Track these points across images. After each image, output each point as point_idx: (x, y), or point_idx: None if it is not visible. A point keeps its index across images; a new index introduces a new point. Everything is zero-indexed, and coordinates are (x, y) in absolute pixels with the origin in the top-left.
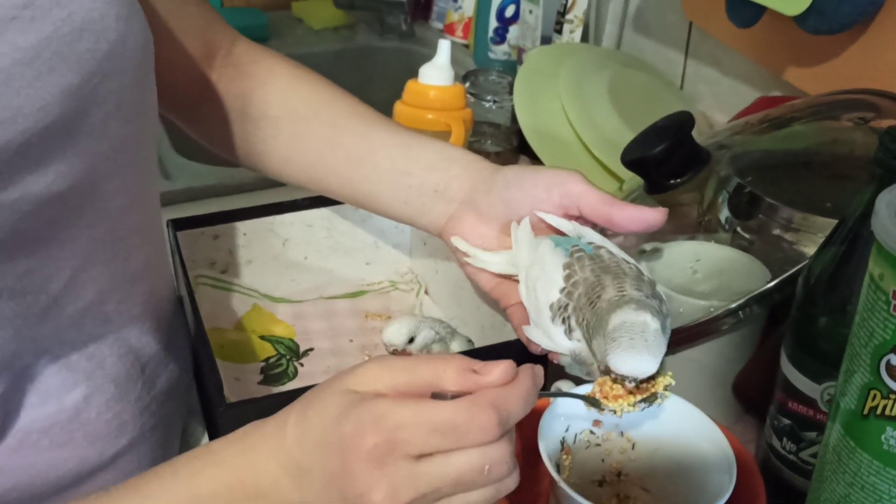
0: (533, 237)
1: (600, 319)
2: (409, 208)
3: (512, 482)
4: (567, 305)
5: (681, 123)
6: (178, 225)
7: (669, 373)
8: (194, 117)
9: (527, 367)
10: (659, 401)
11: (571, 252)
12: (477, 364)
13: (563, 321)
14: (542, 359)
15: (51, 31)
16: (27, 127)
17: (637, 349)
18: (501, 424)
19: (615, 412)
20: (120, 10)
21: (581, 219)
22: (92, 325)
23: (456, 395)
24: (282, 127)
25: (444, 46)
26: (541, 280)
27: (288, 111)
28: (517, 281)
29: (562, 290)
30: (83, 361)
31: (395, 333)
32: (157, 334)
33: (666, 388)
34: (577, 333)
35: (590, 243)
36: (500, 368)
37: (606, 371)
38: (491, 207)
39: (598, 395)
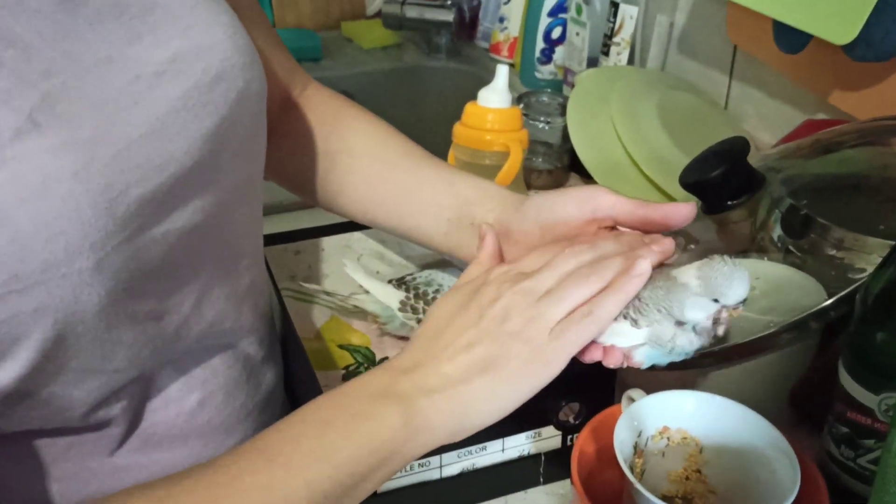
0: None
1: (674, 281)
2: (448, 240)
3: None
4: None
5: (737, 149)
6: (265, 242)
7: None
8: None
9: None
10: None
11: None
12: None
13: (625, 317)
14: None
15: (194, 81)
16: (177, 169)
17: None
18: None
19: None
20: (245, 59)
21: (615, 229)
22: (211, 340)
23: None
24: (337, 161)
25: (502, 71)
26: None
27: (344, 147)
28: None
29: None
30: (199, 371)
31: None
32: (259, 346)
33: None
34: (644, 320)
35: None
36: None
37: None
38: (527, 236)
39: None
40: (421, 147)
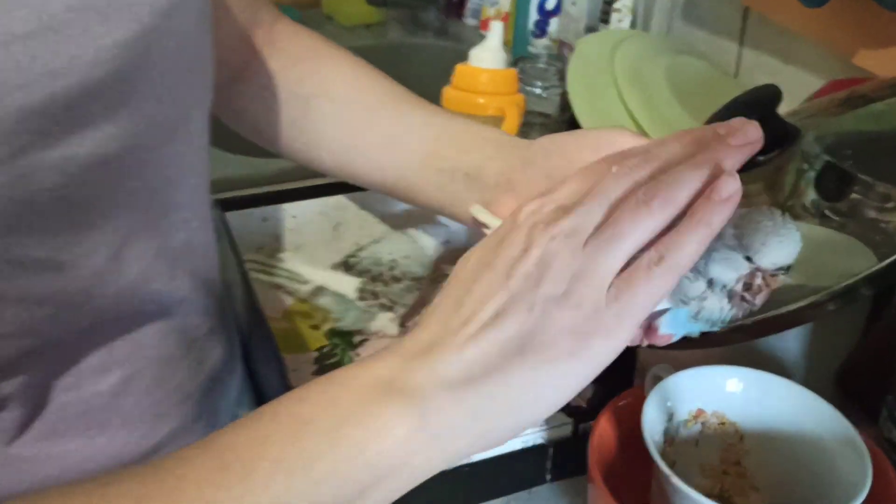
0: None
1: None
2: (442, 195)
3: None
4: None
5: (768, 97)
6: (226, 205)
7: None
8: (226, 95)
9: None
10: None
11: None
12: None
13: None
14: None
15: None
16: (80, 79)
17: (786, 229)
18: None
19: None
20: None
21: None
22: (137, 305)
23: None
24: (312, 106)
25: (496, 28)
26: None
27: (321, 90)
28: None
29: None
30: (122, 342)
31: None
32: (203, 318)
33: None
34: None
35: None
36: None
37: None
38: (531, 183)
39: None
40: (409, 91)
